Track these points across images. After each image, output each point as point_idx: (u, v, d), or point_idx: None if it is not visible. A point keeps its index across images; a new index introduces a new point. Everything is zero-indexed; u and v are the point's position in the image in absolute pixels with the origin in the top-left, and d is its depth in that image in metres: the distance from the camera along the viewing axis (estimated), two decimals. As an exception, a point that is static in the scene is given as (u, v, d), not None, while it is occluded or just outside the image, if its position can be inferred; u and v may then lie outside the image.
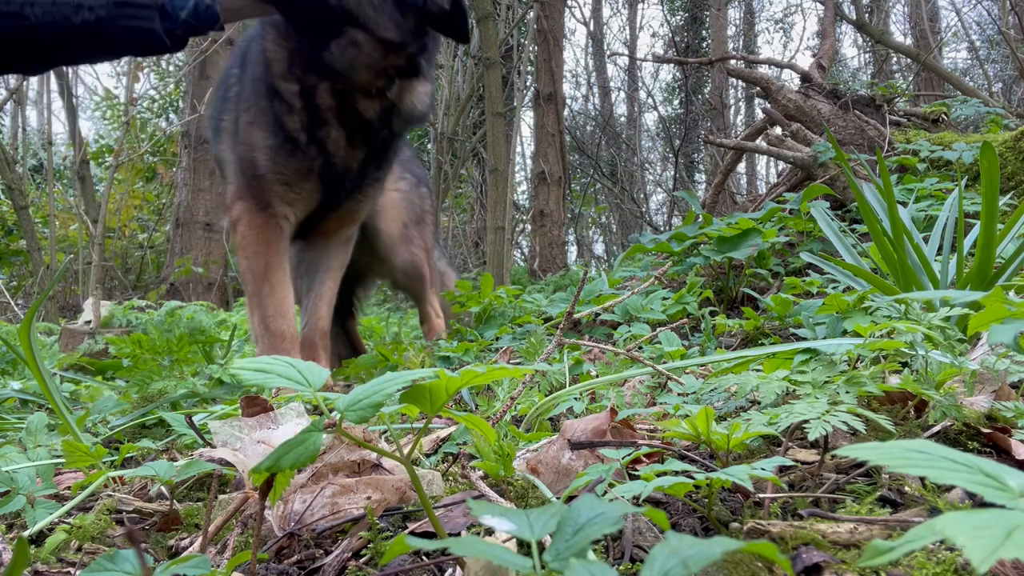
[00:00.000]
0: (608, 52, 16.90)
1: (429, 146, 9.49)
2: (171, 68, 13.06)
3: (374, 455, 0.99)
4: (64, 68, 9.92)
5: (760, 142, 4.61)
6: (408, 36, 2.05)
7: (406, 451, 0.70)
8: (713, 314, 2.45)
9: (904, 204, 2.58)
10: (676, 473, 0.74)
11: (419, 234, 3.15)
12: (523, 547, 0.60)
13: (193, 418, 1.42)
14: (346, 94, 2.11)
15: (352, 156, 2.23)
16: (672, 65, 15.88)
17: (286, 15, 2.05)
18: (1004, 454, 0.90)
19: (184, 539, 0.97)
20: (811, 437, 0.83)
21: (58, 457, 1.30)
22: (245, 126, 2.26)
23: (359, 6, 1.95)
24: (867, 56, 16.29)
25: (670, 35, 15.52)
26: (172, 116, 12.61)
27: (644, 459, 0.96)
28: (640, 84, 16.84)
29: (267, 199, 2.22)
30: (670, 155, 14.74)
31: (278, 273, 2.25)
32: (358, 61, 2.02)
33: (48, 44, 1.81)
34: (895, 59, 12.05)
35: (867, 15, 10.69)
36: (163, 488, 1.11)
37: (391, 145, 2.34)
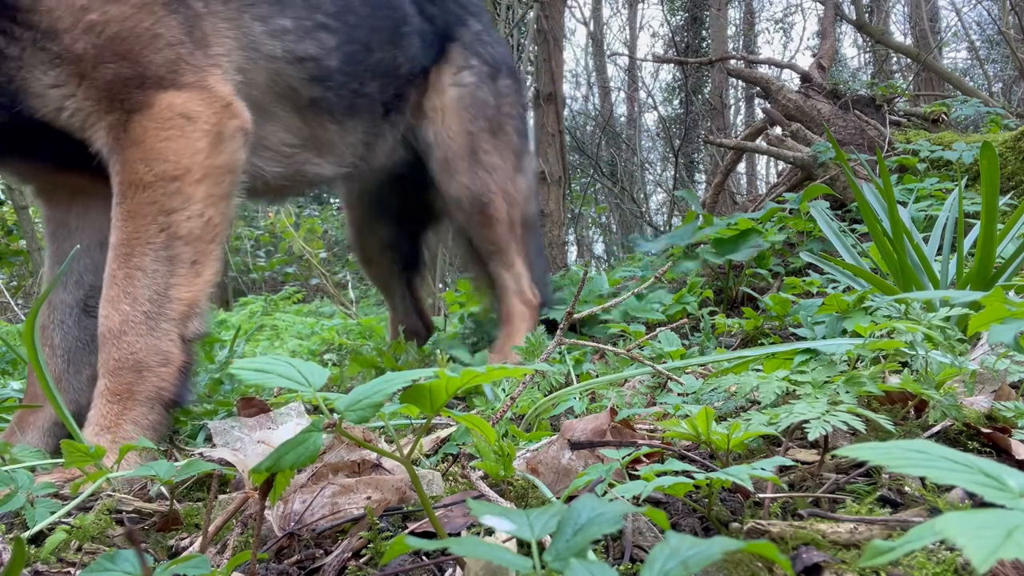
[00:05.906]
0: (608, 52, 16.91)
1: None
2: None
3: (374, 455, 0.99)
4: None
5: (760, 142, 4.61)
6: None
7: (406, 451, 0.70)
8: (713, 314, 2.45)
9: (904, 204, 2.57)
10: (676, 473, 0.74)
11: (493, 148, 2.24)
12: (523, 547, 0.60)
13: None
14: None
15: None
16: (672, 65, 15.88)
17: None
18: (1004, 454, 0.90)
19: (184, 539, 0.97)
20: (811, 437, 0.83)
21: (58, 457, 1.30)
22: None
23: None
24: (867, 56, 16.29)
25: (670, 35, 15.51)
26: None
27: (644, 459, 0.96)
28: (640, 84, 16.84)
29: None
30: (670, 155, 14.73)
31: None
32: None
33: None
34: (895, 59, 12.04)
35: (867, 15, 10.68)
36: (163, 488, 1.11)
37: None
